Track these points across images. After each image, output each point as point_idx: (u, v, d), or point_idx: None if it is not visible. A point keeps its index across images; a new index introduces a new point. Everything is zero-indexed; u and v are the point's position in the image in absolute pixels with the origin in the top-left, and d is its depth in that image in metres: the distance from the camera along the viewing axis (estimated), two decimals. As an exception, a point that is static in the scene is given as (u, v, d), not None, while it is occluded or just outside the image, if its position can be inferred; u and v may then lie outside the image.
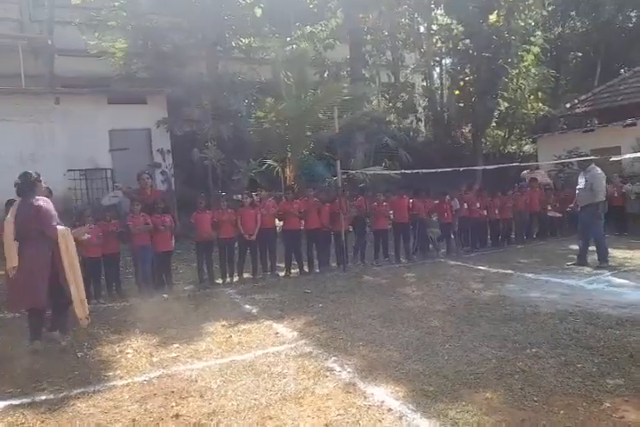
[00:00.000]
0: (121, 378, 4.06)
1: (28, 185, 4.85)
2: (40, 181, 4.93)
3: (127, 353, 4.63)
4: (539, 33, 16.77)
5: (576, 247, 8.22)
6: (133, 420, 3.34)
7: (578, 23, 20.93)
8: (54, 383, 3.96)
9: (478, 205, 9.77)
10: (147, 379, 4.01)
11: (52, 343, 4.87)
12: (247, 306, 6.24)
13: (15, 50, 12.85)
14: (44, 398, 3.73)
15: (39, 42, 13.50)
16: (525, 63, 16.23)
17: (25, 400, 3.68)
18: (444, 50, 18.42)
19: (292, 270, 8.13)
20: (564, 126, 18.01)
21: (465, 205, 9.63)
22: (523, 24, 15.80)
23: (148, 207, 6.98)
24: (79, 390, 3.82)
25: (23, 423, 3.34)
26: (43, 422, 3.36)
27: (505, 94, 16.14)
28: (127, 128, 11.44)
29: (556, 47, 19.85)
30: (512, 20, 15.47)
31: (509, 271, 7.66)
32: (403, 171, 9.93)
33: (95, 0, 13.02)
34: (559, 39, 20.02)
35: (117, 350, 4.73)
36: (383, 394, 3.58)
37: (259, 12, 14.64)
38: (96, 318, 5.73)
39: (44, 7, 13.85)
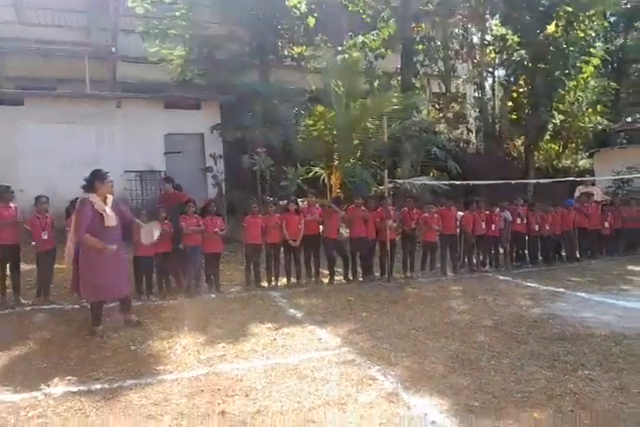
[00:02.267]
0: (170, 373, 4.20)
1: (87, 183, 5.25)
2: (99, 181, 5.23)
3: (176, 349, 4.78)
4: (599, 44, 16.27)
5: (634, 268, 7.86)
6: (182, 414, 3.45)
7: (641, 34, 20.16)
8: (109, 374, 4.15)
9: (530, 219, 9.51)
10: (194, 375, 4.14)
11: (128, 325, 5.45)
12: (291, 310, 6.32)
13: (81, 56, 13.59)
14: (99, 387, 3.91)
15: (104, 49, 14.21)
16: (584, 75, 15.73)
17: (82, 388, 3.88)
18: (497, 60, 18.13)
19: (336, 278, 8.16)
20: (624, 141, 17.30)
21: (518, 219, 9.39)
22: (582, 35, 15.34)
23: (201, 210, 7.23)
24: (131, 382, 3.99)
25: (80, 409, 3.51)
26: (97, 409, 3.52)
27: (561, 107, 15.71)
28: (182, 132, 11.83)
29: (617, 59, 19.17)
30: (571, 30, 15.06)
31: (561, 289, 7.41)
32: (452, 182, 9.82)
33: (157, 10, 13.60)
34: (621, 50, 19.33)
35: (167, 345, 4.89)
36: (426, 406, 3.55)
37: (312, 21, 14.90)
38: (147, 314, 5.97)
39: (110, 16, 14.59)
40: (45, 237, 6.52)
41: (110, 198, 5.32)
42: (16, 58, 13.72)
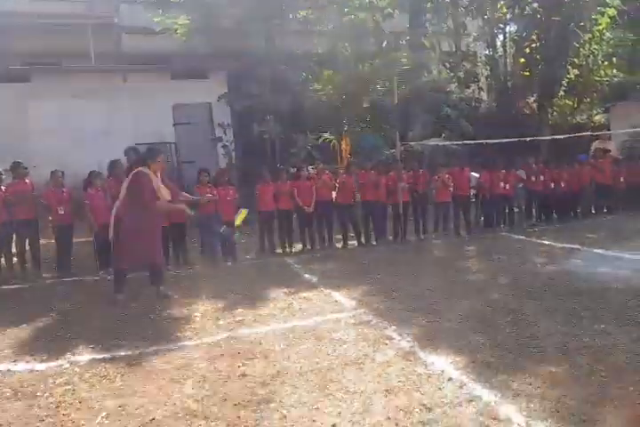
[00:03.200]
0: (190, 339, 4.30)
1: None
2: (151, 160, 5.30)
3: (195, 316, 4.88)
4: (615, -7, 15.45)
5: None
6: (204, 377, 3.55)
7: (661, -19, 19.10)
8: (131, 341, 4.25)
9: (544, 177, 9.36)
10: (214, 340, 4.23)
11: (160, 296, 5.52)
12: (307, 275, 6.39)
13: (84, 29, 13.38)
14: (122, 353, 4.02)
15: (106, 21, 13.96)
16: (599, 27, 15.07)
17: (106, 355, 3.99)
18: (508, 16, 17.41)
19: (349, 242, 8.19)
20: (642, 94, 16.71)
21: (532, 177, 9.25)
22: (598, -15, 14.61)
23: (214, 180, 7.26)
24: (153, 348, 4.09)
25: (105, 376, 3.63)
26: (123, 375, 3.63)
27: (575, 61, 15.14)
28: (189, 103, 11.73)
29: (634, 9, 18.25)
30: (586, -20, 14.34)
31: (576, 246, 7.35)
32: (465, 142, 9.65)
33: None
34: (638, 0, 18.41)
35: (186, 313, 4.99)
36: (443, 363, 3.60)
37: (316, -17, 14.38)
38: (165, 283, 6.07)
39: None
40: (62, 212, 6.62)
41: (158, 173, 5.39)
42: (19, 34, 13.56)
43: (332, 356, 3.80)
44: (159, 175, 5.38)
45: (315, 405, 3.10)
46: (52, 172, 6.80)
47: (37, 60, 12.93)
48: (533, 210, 9.58)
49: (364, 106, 11.89)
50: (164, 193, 5.32)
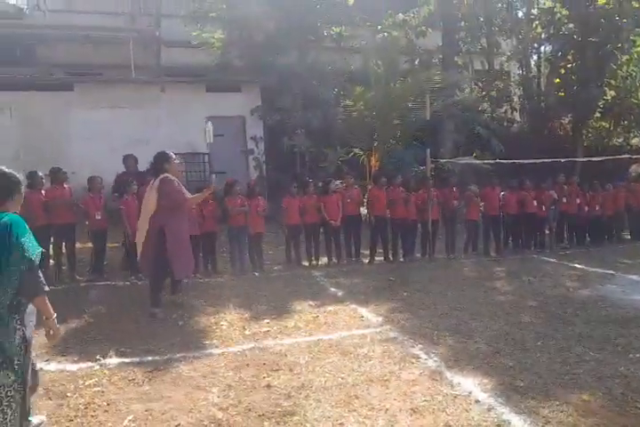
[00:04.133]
0: (217, 347, 4.34)
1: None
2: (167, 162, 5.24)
3: (222, 325, 4.92)
4: (655, 14, 15.22)
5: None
6: (229, 386, 3.57)
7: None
8: (159, 347, 4.32)
9: (578, 200, 9.19)
10: (240, 350, 4.26)
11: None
12: (333, 289, 6.39)
13: (126, 42, 13.84)
14: (150, 358, 4.09)
15: (148, 34, 14.42)
16: (638, 48, 14.86)
17: (135, 359, 4.06)
18: (543, 35, 17.30)
19: (377, 258, 8.16)
20: (680, 118, 16.32)
21: (564, 198, 9.09)
22: (637, 5, 14.41)
23: (247, 191, 7.34)
24: (180, 355, 4.14)
25: (134, 379, 3.69)
26: (150, 379, 3.69)
27: (612, 82, 14.92)
28: (223, 115, 11.95)
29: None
30: (624, 1, 14.19)
31: (610, 271, 7.18)
32: (497, 160, 9.56)
33: (198, -7, 13.65)
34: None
35: (213, 321, 5.04)
36: (471, 385, 3.54)
37: (351, 0, 14.60)
38: (193, 291, 6.16)
39: (153, 1, 14.75)
40: (99, 217, 6.79)
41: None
42: (64, 45, 14.12)
43: (357, 372, 3.78)
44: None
45: (339, 420, 3.08)
46: (90, 178, 6.98)
47: (80, 70, 13.41)
48: (565, 232, 9.38)
49: (395, 122, 11.91)
50: (187, 193, 5.33)
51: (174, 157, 5.33)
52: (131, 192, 6.80)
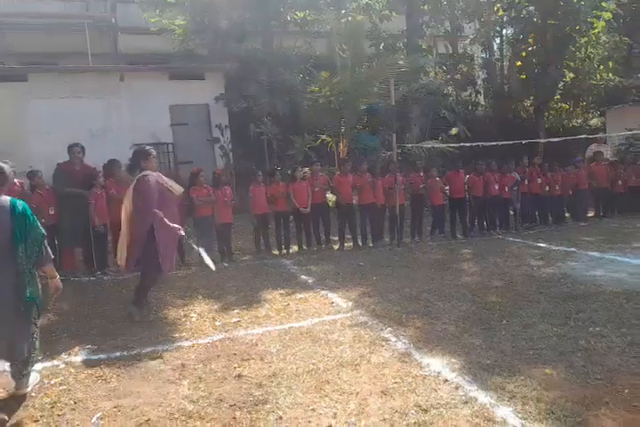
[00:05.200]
0: (187, 340, 4.30)
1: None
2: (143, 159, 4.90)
3: (191, 317, 4.88)
4: (611, -3, 15.54)
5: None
6: (199, 378, 3.55)
7: (656, -15, 19.20)
8: (127, 342, 4.25)
9: (540, 180, 9.40)
10: (210, 341, 4.23)
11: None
12: (303, 276, 6.39)
13: (82, 29, 13.37)
14: (118, 354, 4.02)
15: (104, 20, 13.95)
16: (595, 31, 15.11)
17: (102, 356, 3.99)
18: (505, 19, 17.49)
19: (346, 244, 8.21)
20: (637, 98, 16.81)
21: (525, 180, 9.29)
22: (594, -12, 14.70)
23: (213, 181, 7.19)
24: (150, 349, 4.09)
25: (101, 376, 3.62)
26: (118, 375, 3.63)
27: (571, 64, 15.20)
28: (187, 103, 11.72)
29: (629, 13, 18.35)
30: (581, -16, 14.42)
31: (572, 249, 7.39)
32: (461, 144, 9.67)
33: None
34: (634, 4, 18.49)
35: (182, 313, 4.99)
36: (439, 365, 3.61)
37: (314, -16, 14.43)
38: (162, 284, 6.05)
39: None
40: (52, 212, 6.54)
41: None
42: (16, 33, 13.54)
43: (327, 357, 3.81)
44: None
45: (310, 406, 3.10)
46: (29, 173, 6.57)
47: (35, 59, 12.89)
48: (529, 212, 9.60)
49: (362, 108, 11.89)
50: (176, 187, 5.04)
51: (154, 153, 4.97)
52: (98, 185, 6.60)
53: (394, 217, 8.30)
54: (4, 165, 3.35)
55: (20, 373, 3.28)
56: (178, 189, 5.09)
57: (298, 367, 3.65)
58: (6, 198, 3.29)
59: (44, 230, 3.37)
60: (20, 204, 3.28)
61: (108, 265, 6.72)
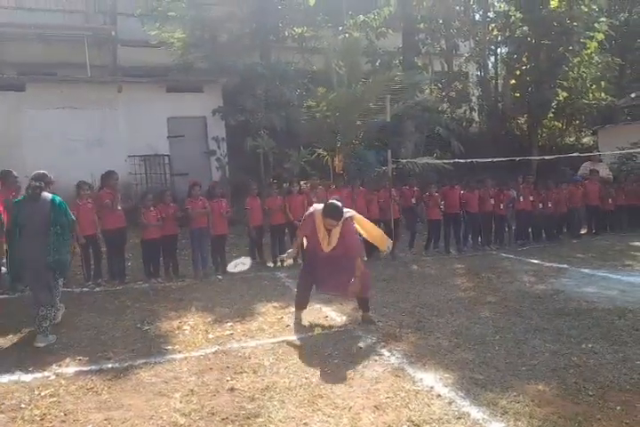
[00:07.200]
0: (179, 352, 4.27)
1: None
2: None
3: (184, 329, 4.85)
4: (603, 19, 15.84)
5: (637, 244, 7.88)
6: (192, 390, 3.52)
7: (646, 8, 19.67)
8: (119, 354, 4.22)
9: (532, 198, 9.49)
10: (203, 354, 4.20)
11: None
12: (297, 290, 6.36)
13: (81, 41, 13.46)
14: (110, 366, 3.99)
15: (103, 33, 14.06)
16: (588, 51, 15.46)
17: (93, 367, 3.95)
18: (500, 38, 17.85)
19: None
20: (628, 118, 17.11)
21: (521, 197, 9.37)
22: (586, 10, 15.01)
23: (207, 193, 7.25)
24: (142, 361, 4.06)
25: (92, 388, 3.59)
26: (110, 387, 3.59)
27: (564, 84, 15.48)
28: (184, 116, 11.77)
29: (621, 34, 18.77)
30: (575, 5, 14.76)
31: (564, 266, 7.45)
32: (456, 160, 9.77)
33: (156, -9, 13.40)
34: (625, 25, 18.92)
35: (175, 326, 4.96)
36: (432, 380, 3.61)
37: (312, 1, 14.64)
38: (154, 295, 6.05)
39: (108, -1, 14.41)
40: None
41: None
42: (16, 44, 13.60)
43: (321, 371, 3.79)
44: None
45: (303, 420, 3.09)
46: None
47: (33, 69, 12.93)
48: (522, 229, 9.67)
49: (357, 123, 12.00)
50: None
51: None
52: (84, 195, 6.59)
53: (388, 231, 8.31)
54: (45, 172, 4.70)
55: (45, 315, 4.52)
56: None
57: (291, 381, 3.63)
58: (49, 194, 4.55)
59: (73, 217, 4.72)
60: (57, 198, 4.53)
61: (101, 276, 6.69)
